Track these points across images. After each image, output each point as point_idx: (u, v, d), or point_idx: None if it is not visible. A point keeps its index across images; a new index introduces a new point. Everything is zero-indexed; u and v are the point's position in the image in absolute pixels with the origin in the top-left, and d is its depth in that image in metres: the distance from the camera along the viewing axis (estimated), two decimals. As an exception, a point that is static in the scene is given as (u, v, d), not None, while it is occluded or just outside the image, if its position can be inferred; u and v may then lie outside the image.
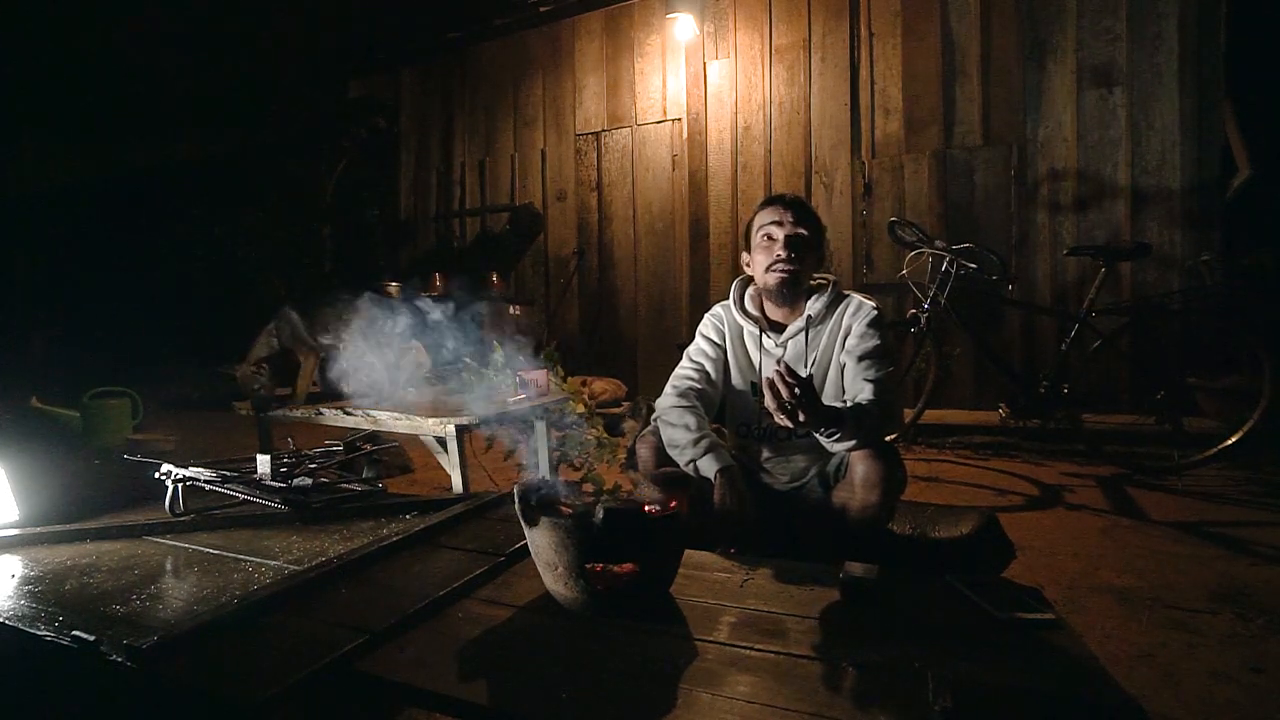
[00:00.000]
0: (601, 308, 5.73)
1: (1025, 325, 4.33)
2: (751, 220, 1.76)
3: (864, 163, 4.78)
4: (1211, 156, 3.94)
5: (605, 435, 2.88)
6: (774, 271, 1.65)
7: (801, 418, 1.34)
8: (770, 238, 1.67)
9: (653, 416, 1.77)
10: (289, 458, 2.03)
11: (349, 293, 2.83)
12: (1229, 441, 2.92)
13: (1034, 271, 4.32)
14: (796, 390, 1.31)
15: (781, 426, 1.39)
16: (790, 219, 1.66)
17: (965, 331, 3.40)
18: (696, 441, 1.61)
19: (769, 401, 1.35)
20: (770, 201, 1.73)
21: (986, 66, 4.45)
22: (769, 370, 1.71)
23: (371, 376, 2.61)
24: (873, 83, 4.77)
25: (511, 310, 5.82)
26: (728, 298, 1.83)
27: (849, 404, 1.53)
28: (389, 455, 2.94)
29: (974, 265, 3.21)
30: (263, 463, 1.92)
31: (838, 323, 1.66)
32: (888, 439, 1.73)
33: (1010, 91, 4.40)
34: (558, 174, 5.93)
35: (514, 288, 6.06)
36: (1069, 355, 3.22)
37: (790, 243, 1.64)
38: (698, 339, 1.82)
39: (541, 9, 5.80)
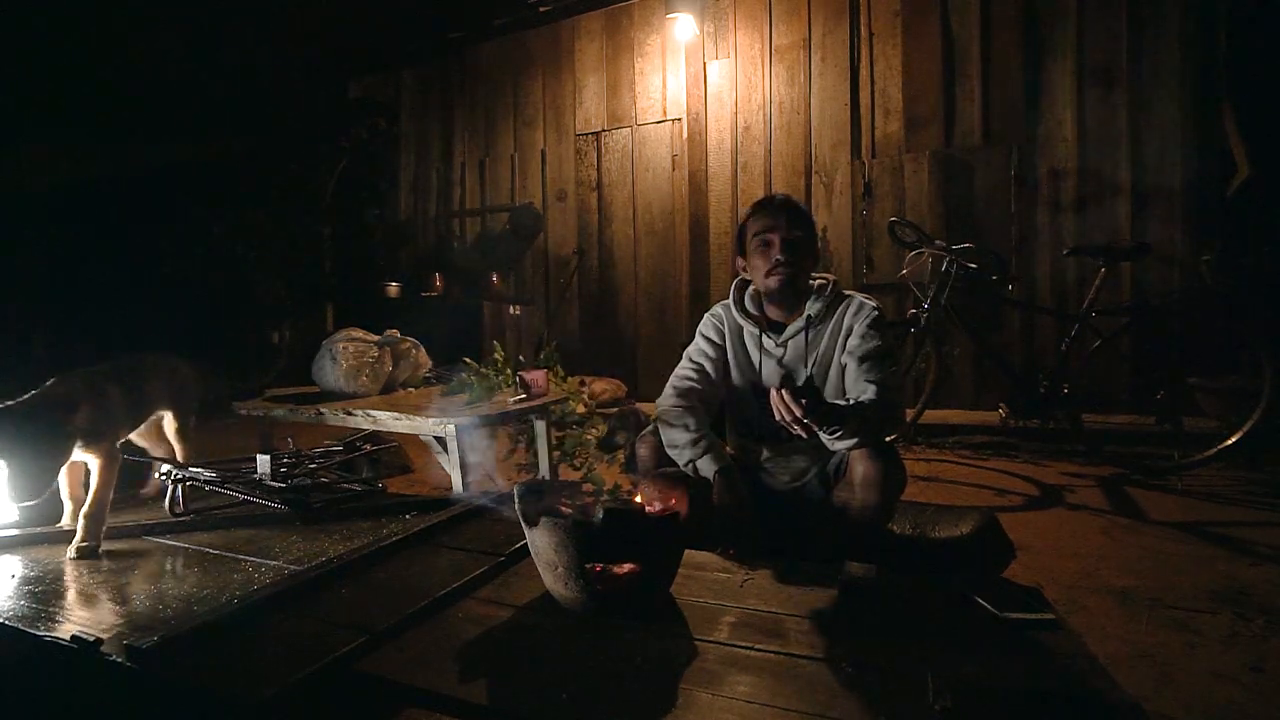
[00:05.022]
0: (601, 308, 5.73)
1: (1025, 325, 4.32)
2: (744, 224, 1.76)
3: (864, 163, 4.78)
4: (1211, 156, 3.94)
5: (604, 438, 2.88)
6: (774, 275, 1.65)
7: (814, 427, 1.35)
8: (767, 243, 1.67)
9: (652, 417, 1.77)
10: (289, 458, 2.03)
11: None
12: (1229, 441, 2.92)
13: (1034, 271, 4.32)
14: (803, 401, 1.31)
15: (782, 427, 1.39)
16: (784, 223, 1.66)
17: (965, 331, 3.40)
18: (696, 442, 1.61)
19: (778, 416, 1.35)
20: (762, 205, 1.73)
21: (986, 66, 4.45)
22: (769, 371, 1.71)
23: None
24: (873, 83, 4.77)
25: (511, 310, 5.83)
26: (728, 298, 1.83)
27: (851, 403, 1.53)
28: (389, 455, 2.94)
29: (974, 265, 3.21)
30: (263, 463, 1.93)
31: (838, 323, 1.66)
32: (888, 439, 1.73)
33: (1010, 91, 4.39)
34: (558, 174, 5.93)
35: (514, 288, 6.06)
36: (1069, 355, 3.22)
37: (787, 246, 1.65)
38: (698, 339, 1.82)
39: (541, 9, 5.80)
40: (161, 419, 2.04)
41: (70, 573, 1.44)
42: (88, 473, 1.64)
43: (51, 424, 1.49)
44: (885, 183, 4.72)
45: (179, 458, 2.05)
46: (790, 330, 1.69)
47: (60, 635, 1.09)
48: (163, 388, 1.97)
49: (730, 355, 1.77)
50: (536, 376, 2.72)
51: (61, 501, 1.77)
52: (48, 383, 1.62)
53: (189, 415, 2.09)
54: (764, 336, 1.72)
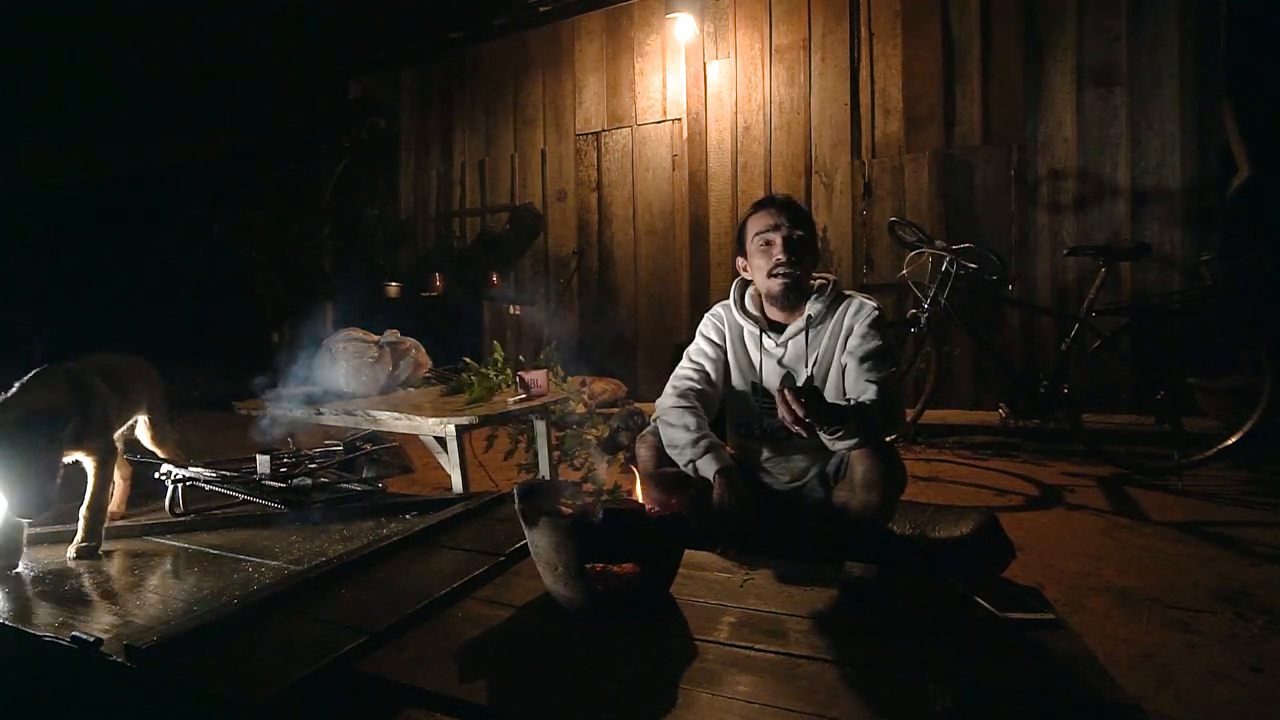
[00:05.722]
0: (601, 308, 5.73)
1: (1025, 325, 4.32)
2: (744, 224, 1.75)
3: (864, 163, 4.78)
4: (1211, 156, 3.94)
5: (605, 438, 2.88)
6: (776, 276, 1.65)
7: (815, 427, 1.35)
8: (768, 243, 1.67)
9: (652, 417, 1.77)
10: (289, 458, 2.03)
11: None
12: (1229, 441, 2.92)
13: (1034, 271, 4.32)
14: (804, 400, 1.31)
15: (782, 427, 1.39)
16: (786, 221, 1.66)
17: (965, 331, 3.40)
18: (696, 442, 1.61)
19: (782, 416, 1.35)
20: (763, 205, 1.72)
21: (986, 66, 4.45)
22: (769, 371, 1.71)
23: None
24: (873, 83, 4.77)
25: (511, 310, 5.83)
26: (728, 298, 1.83)
27: (851, 404, 1.53)
28: (389, 455, 2.94)
29: (974, 265, 3.21)
30: (263, 463, 1.93)
31: (839, 323, 1.66)
32: (888, 439, 1.73)
33: (1010, 91, 4.39)
34: (558, 174, 5.93)
35: (514, 288, 6.06)
36: (1069, 355, 3.22)
37: (789, 246, 1.64)
38: (698, 339, 1.81)
39: (541, 9, 5.80)
40: (137, 423, 1.97)
41: (70, 573, 1.44)
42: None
43: (46, 437, 1.42)
44: (885, 183, 4.72)
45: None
46: (790, 330, 1.69)
47: (60, 635, 1.09)
48: (141, 389, 1.92)
49: (730, 355, 1.77)
50: (536, 376, 2.71)
51: (60, 502, 1.76)
52: (26, 380, 1.53)
53: (163, 418, 2.00)
54: (764, 336, 1.72)
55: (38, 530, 1.67)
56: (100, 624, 1.16)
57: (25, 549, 1.51)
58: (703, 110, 5.29)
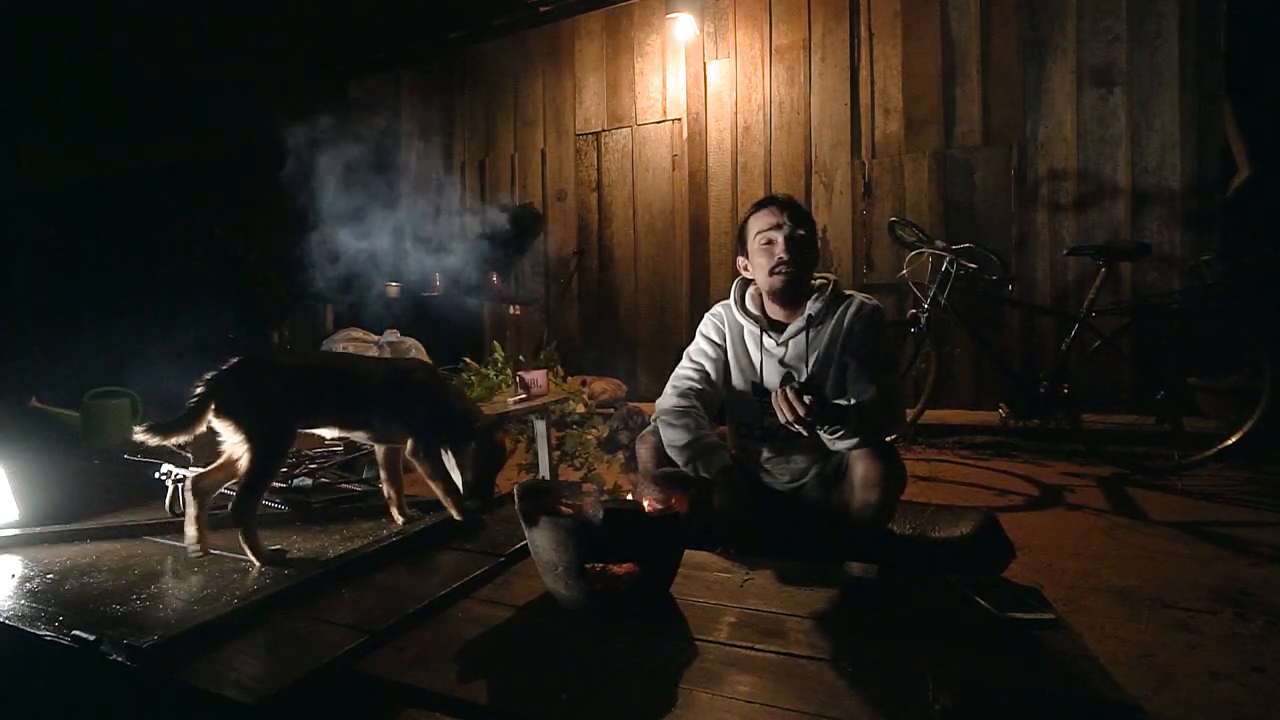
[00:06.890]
0: (601, 308, 5.73)
1: (1025, 325, 4.32)
2: (745, 224, 1.76)
3: (864, 163, 4.78)
4: (1211, 156, 3.94)
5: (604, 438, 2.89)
6: (778, 274, 1.65)
7: (814, 426, 1.35)
8: (770, 241, 1.67)
9: (652, 417, 1.77)
10: (289, 458, 2.03)
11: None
12: (1229, 441, 2.92)
13: (1034, 271, 4.32)
14: (807, 400, 1.31)
15: (783, 426, 1.39)
16: (788, 220, 1.66)
17: (965, 331, 3.40)
18: (696, 441, 1.61)
19: (782, 416, 1.35)
20: (764, 204, 1.73)
21: (986, 66, 4.45)
22: (770, 371, 1.71)
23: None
24: (873, 83, 4.77)
25: (511, 310, 5.83)
26: (728, 297, 1.83)
27: (851, 403, 1.53)
28: (389, 455, 2.94)
29: (974, 265, 3.21)
30: (263, 463, 1.92)
31: (839, 322, 1.66)
32: (888, 439, 1.73)
33: (1010, 91, 4.39)
34: (558, 174, 5.93)
35: (514, 288, 6.05)
36: (1069, 355, 3.22)
37: (791, 244, 1.65)
38: (698, 339, 1.82)
39: (541, 9, 5.80)
40: None
41: (70, 573, 1.44)
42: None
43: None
44: (885, 183, 4.72)
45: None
46: (791, 330, 1.69)
47: (60, 635, 1.09)
48: None
49: (731, 355, 1.77)
50: (536, 376, 2.72)
51: (60, 502, 1.77)
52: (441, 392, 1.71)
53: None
54: (764, 336, 1.72)
55: (37, 530, 1.67)
56: (100, 624, 1.16)
57: (26, 548, 1.51)
58: (703, 110, 5.29)
